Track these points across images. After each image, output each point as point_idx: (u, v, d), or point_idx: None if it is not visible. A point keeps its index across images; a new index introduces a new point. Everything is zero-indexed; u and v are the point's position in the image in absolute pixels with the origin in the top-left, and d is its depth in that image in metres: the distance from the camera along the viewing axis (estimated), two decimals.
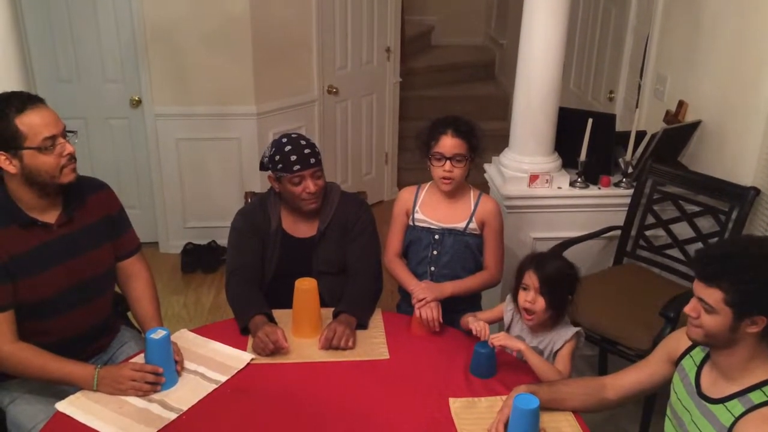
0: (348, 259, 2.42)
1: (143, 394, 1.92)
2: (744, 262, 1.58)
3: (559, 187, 3.01)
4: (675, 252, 2.93)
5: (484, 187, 2.94)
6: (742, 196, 2.67)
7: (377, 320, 2.30)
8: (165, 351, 1.97)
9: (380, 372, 2.06)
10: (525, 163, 2.98)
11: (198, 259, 4.15)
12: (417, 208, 2.46)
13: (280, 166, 2.31)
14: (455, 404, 1.91)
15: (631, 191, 3.01)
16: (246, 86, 3.98)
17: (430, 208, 2.45)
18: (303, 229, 2.43)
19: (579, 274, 2.08)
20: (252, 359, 2.09)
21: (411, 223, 2.47)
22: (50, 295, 2.04)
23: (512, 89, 3.03)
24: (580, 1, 4.41)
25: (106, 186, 2.23)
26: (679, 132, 3.06)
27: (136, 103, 4.02)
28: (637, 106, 3.56)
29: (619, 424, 2.86)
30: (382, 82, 4.80)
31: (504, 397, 1.90)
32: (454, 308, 2.34)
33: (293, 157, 2.30)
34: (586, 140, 2.92)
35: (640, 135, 3.11)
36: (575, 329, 2.07)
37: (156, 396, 1.93)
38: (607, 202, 3.04)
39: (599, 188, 3.03)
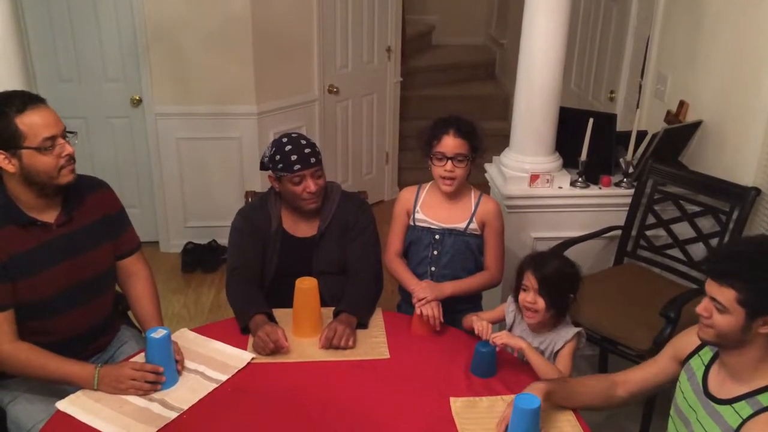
0: (348, 259, 2.41)
1: (143, 393, 1.92)
2: (758, 261, 1.57)
3: (560, 187, 3.01)
4: (675, 252, 2.93)
5: (484, 186, 2.94)
6: (742, 196, 2.67)
7: (378, 320, 2.30)
8: (165, 350, 1.97)
9: (381, 371, 2.06)
10: (526, 162, 2.98)
11: (198, 258, 4.15)
12: (418, 208, 2.46)
13: (281, 165, 2.31)
14: (456, 404, 1.90)
15: (631, 191, 3.01)
16: (247, 86, 3.98)
17: (430, 208, 2.45)
18: (303, 229, 2.43)
19: (580, 273, 2.08)
20: (252, 358, 2.09)
21: (411, 223, 2.47)
22: (50, 294, 2.04)
23: (513, 89, 3.03)
24: (581, 0, 4.41)
25: (105, 185, 2.22)
26: (679, 132, 3.06)
27: (137, 103, 4.02)
28: (637, 106, 3.56)
29: (619, 423, 2.86)
30: (383, 82, 4.80)
31: (505, 397, 1.90)
32: (455, 308, 2.34)
33: (293, 157, 2.30)
34: (586, 140, 2.92)
35: (641, 135, 3.11)
36: (576, 329, 2.07)
37: (156, 395, 1.93)
38: (607, 202, 3.04)
39: (600, 188, 3.03)
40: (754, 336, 1.58)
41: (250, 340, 2.16)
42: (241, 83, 3.97)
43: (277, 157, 2.32)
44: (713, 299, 1.60)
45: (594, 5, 4.29)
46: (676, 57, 3.23)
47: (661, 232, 2.99)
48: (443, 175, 2.34)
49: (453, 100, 5.68)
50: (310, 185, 2.31)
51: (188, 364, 2.06)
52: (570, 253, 2.59)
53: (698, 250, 2.88)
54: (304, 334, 2.20)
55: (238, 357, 2.10)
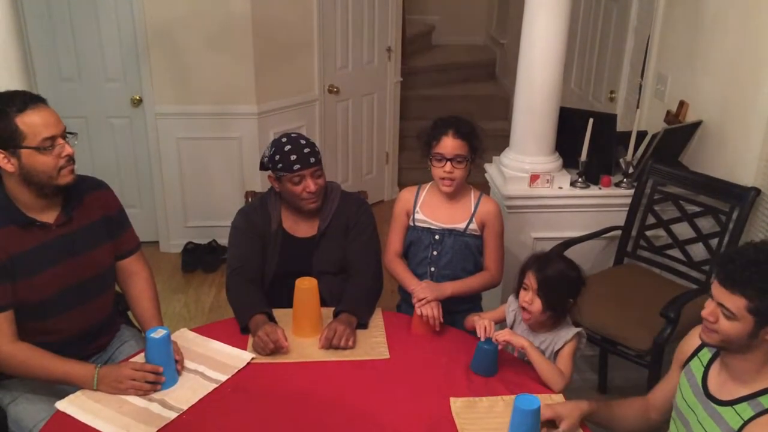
0: (348, 259, 2.41)
1: (143, 393, 1.92)
2: None
3: (560, 187, 3.01)
4: (675, 252, 2.93)
5: (484, 187, 2.94)
6: (742, 197, 2.67)
7: (378, 320, 2.30)
8: (165, 350, 1.97)
9: (380, 371, 2.06)
10: (526, 162, 2.98)
11: (198, 258, 4.15)
12: (417, 208, 2.46)
13: (280, 165, 2.31)
14: (456, 404, 1.90)
15: (631, 191, 3.01)
16: (247, 86, 3.98)
17: (430, 209, 2.45)
18: (303, 229, 2.43)
19: (583, 277, 2.06)
20: (252, 358, 2.09)
21: (411, 224, 2.47)
22: (50, 294, 2.04)
23: (513, 89, 3.03)
24: (581, 0, 4.41)
25: (104, 185, 2.22)
26: (679, 132, 3.06)
27: (137, 103, 4.02)
28: (638, 106, 3.56)
29: None
30: (383, 82, 4.80)
31: (505, 397, 1.90)
32: (455, 309, 2.35)
33: (293, 157, 2.30)
34: (586, 140, 2.92)
35: (641, 135, 3.11)
36: (576, 330, 2.07)
37: (156, 395, 1.93)
38: (607, 202, 3.04)
39: (600, 188, 3.03)
40: (760, 341, 1.57)
41: (250, 340, 2.16)
42: (241, 83, 3.97)
43: (277, 157, 2.32)
44: (721, 305, 1.58)
45: (594, 5, 4.29)
46: (676, 57, 3.23)
47: (661, 232, 2.99)
48: (442, 176, 2.34)
49: (453, 100, 5.68)
50: (310, 185, 2.31)
51: (188, 364, 2.06)
52: (570, 253, 2.59)
53: (698, 251, 2.88)
54: (304, 334, 2.20)
55: (238, 357, 2.10)
